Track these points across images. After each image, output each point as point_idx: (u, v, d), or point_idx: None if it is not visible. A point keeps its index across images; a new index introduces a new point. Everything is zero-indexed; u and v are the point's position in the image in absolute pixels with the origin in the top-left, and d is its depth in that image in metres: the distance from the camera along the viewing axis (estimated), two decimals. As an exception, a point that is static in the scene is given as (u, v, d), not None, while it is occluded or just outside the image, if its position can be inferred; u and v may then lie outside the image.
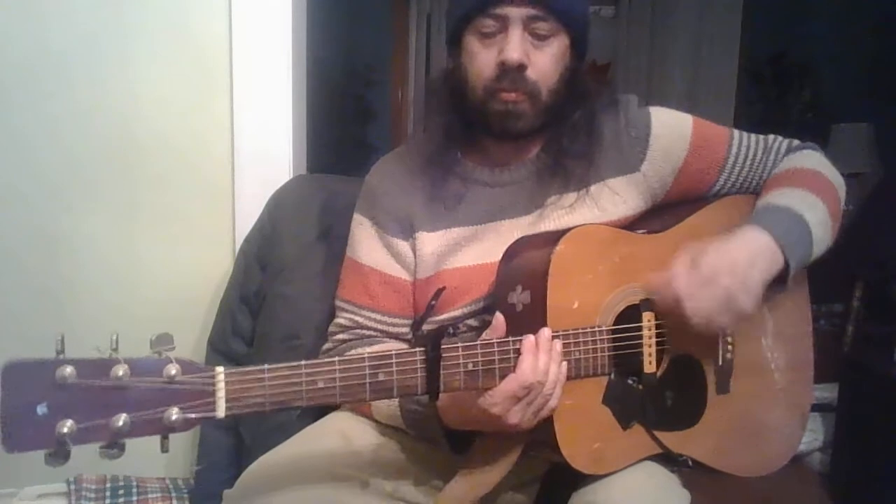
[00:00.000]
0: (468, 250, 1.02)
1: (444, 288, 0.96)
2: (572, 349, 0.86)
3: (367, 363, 0.77)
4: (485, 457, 0.91)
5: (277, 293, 1.29)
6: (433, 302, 0.89)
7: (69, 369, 0.62)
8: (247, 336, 1.34)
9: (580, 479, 0.90)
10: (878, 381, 1.91)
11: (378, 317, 1.05)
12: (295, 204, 1.35)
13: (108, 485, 1.37)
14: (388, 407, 0.98)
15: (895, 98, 3.09)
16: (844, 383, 2.03)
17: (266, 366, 0.72)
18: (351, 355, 0.78)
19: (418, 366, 0.79)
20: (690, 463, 0.94)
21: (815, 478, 2.11)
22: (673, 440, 0.93)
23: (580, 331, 0.87)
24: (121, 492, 1.35)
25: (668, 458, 0.93)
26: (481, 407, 0.82)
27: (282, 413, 1.21)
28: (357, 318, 1.06)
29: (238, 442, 1.30)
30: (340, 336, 1.08)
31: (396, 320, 1.06)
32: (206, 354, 1.37)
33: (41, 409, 0.61)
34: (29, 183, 1.39)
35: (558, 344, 0.84)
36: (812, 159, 1.06)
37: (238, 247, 1.40)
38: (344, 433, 1.02)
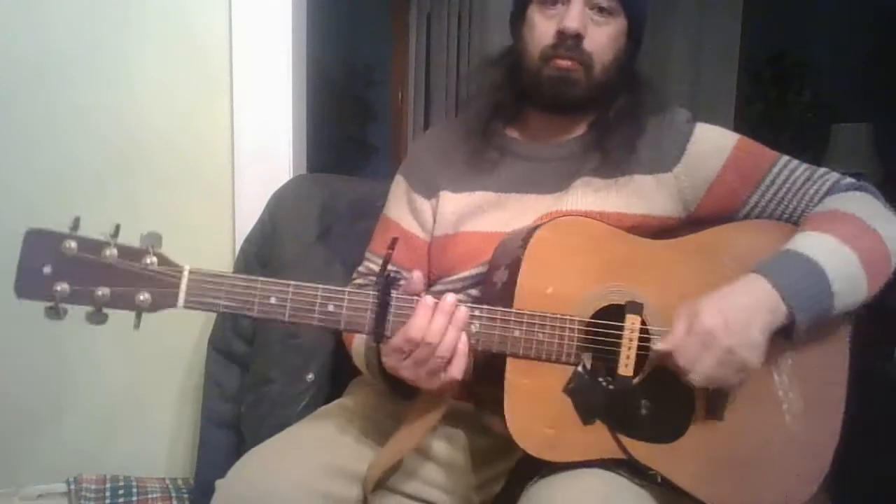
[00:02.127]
0: (489, 216, 1.05)
1: (396, 238, 0.96)
2: (536, 330, 0.87)
3: (319, 292, 0.83)
4: (405, 425, 0.94)
5: (277, 293, 1.29)
6: (389, 251, 0.90)
7: (73, 243, 0.76)
8: (247, 335, 1.34)
9: (537, 477, 0.89)
10: (878, 381, 1.91)
11: (391, 268, 1.06)
12: (295, 204, 1.36)
13: (108, 485, 1.37)
14: (359, 346, 1.02)
15: (895, 98, 3.09)
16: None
17: (227, 273, 0.82)
18: (308, 284, 0.83)
19: (368, 307, 0.83)
20: (659, 479, 0.90)
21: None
22: (641, 450, 0.89)
23: (547, 314, 0.88)
24: (121, 492, 1.35)
25: (635, 469, 0.90)
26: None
27: (281, 411, 1.22)
28: (372, 266, 1.13)
29: (238, 442, 1.30)
30: (358, 281, 1.15)
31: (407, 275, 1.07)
32: (207, 353, 1.37)
33: (46, 270, 0.75)
34: (29, 182, 1.40)
35: (462, 310, 0.84)
36: (858, 203, 0.98)
37: (238, 247, 1.40)
38: (337, 425, 1.02)
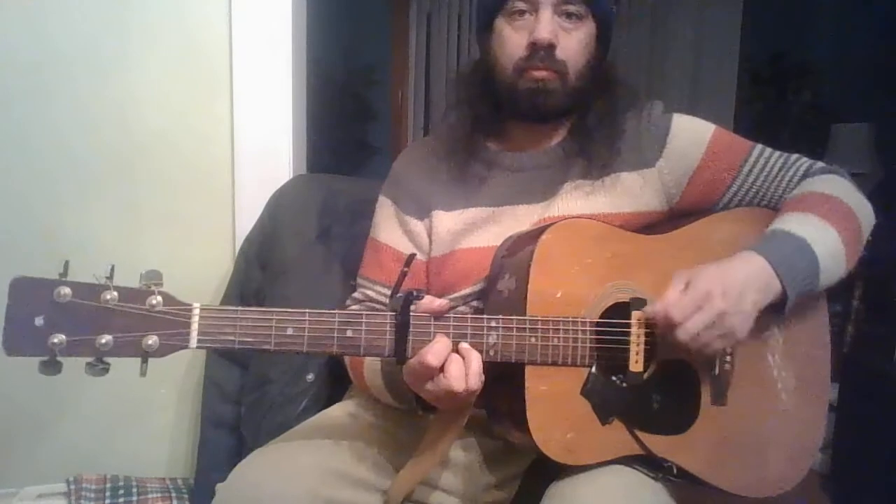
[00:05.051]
0: (484, 232, 1.05)
1: (414, 255, 0.97)
2: (550, 335, 0.87)
3: (336, 318, 0.81)
4: (427, 443, 0.93)
5: (277, 293, 1.29)
6: (405, 269, 0.90)
7: (66, 289, 0.70)
8: (247, 336, 1.33)
9: (557, 476, 0.90)
10: (878, 381, 1.91)
11: (388, 292, 1.07)
12: (295, 204, 1.35)
13: (108, 485, 1.37)
14: (373, 363, 1.00)
15: (895, 98, 3.09)
16: (844, 383, 2.03)
17: (239, 307, 0.79)
18: (323, 311, 0.81)
19: (387, 328, 0.82)
20: (675, 471, 0.91)
21: (815, 478, 2.10)
22: (657, 444, 0.91)
23: (560, 319, 0.88)
24: (121, 492, 1.35)
25: (651, 463, 0.91)
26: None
27: (281, 411, 1.22)
28: (369, 293, 1.11)
29: (238, 442, 1.30)
30: (353, 307, 1.12)
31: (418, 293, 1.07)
32: (207, 354, 1.38)
33: (38, 321, 0.69)
34: (30, 183, 1.39)
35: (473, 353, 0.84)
36: (832, 184, 1.03)
37: (238, 247, 1.40)
38: (338, 427, 1.03)
